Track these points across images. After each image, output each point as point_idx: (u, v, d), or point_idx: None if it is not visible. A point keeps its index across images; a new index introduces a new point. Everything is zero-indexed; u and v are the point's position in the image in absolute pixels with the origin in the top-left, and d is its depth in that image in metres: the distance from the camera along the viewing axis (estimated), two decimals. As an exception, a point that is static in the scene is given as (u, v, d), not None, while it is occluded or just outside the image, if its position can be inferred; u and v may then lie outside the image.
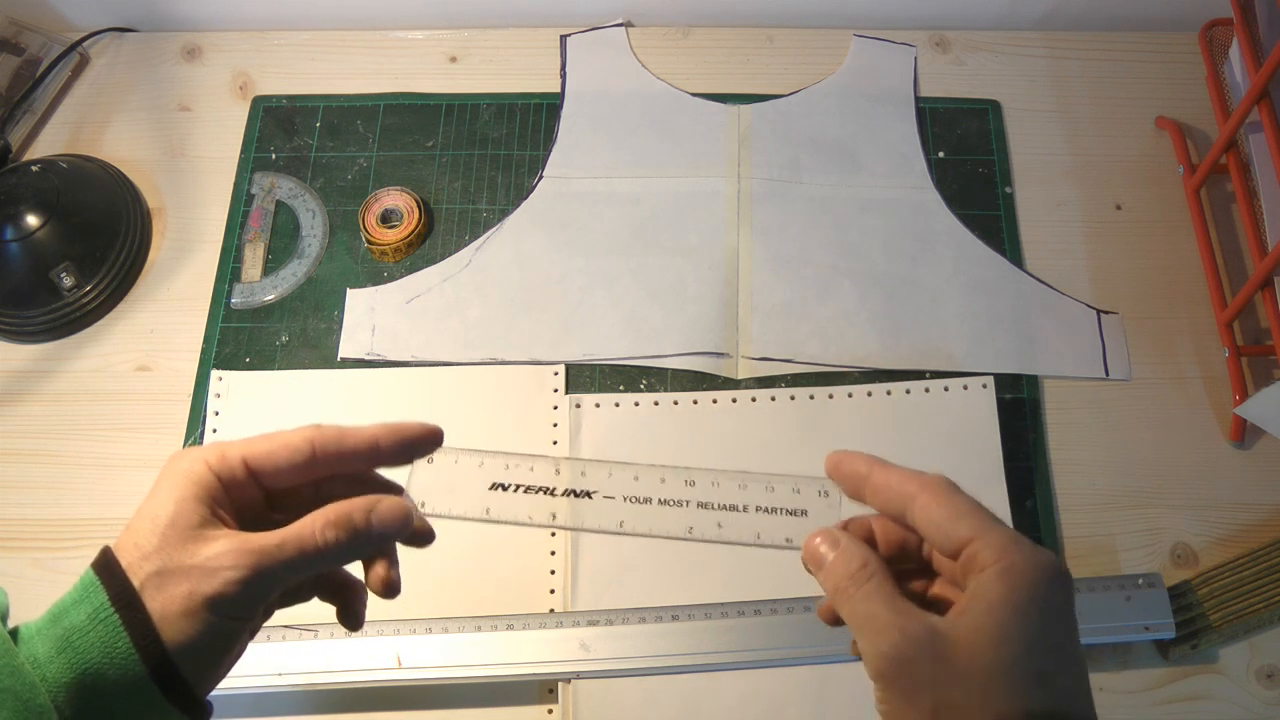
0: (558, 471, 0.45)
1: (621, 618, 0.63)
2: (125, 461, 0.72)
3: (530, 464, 0.45)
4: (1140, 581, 0.63)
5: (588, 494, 0.45)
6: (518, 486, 0.45)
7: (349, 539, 0.39)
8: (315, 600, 0.46)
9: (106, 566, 0.38)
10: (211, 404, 0.72)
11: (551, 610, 0.65)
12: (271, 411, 0.72)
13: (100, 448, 0.72)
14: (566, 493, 0.45)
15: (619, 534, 0.45)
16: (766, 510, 0.44)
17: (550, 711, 0.63)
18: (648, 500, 0.45)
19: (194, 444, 0.72)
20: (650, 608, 0.63)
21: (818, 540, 0.40)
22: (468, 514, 0.44)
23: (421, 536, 0.43)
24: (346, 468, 0.42)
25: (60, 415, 0.74)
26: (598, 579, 0.65)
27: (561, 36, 0.87)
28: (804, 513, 0.44)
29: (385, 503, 0.41)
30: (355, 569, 0.45)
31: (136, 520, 0.39)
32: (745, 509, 0.44)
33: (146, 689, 0.37)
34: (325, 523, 0.39)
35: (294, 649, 0.61)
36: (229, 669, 0.41)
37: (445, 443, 0.44)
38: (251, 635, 0.43)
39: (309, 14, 0.89)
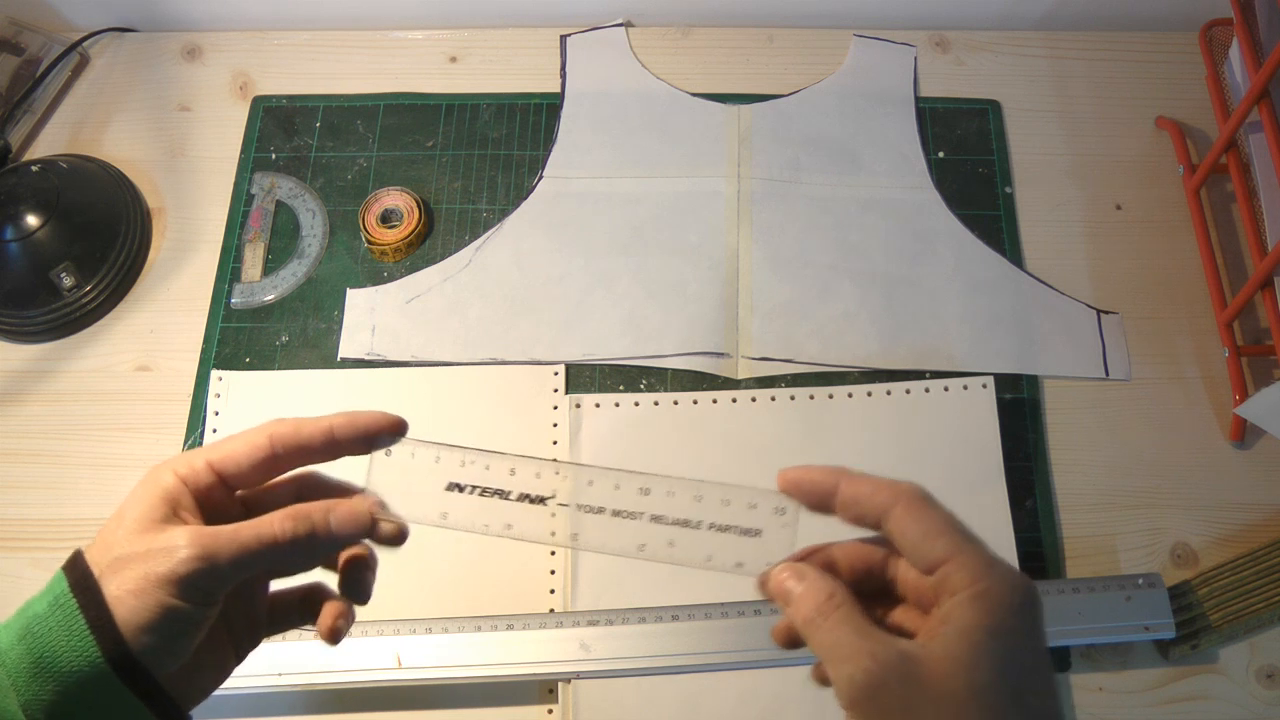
0: (513, 472, 0.44)
1: (621, 618, 0.63)
2: (125, 461, 0.72)
3: (486, 462, 0.43)
4: (1140, 581, 0.63)
5: (542, 499, 0.44)
6: (474, 488, 0.44)
7: (306, 534, 0.40)
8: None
9: (72, 562, 0.39)
10: (211, 404, 0.72)
11: (551, 610, 0.65)
12: (272, 411, 0.71)
13: (100, 448, 0.72)
14: (521, 497, 0.44)
15: (572, 549, 0.44)
16: (720, 529, 0.43)
17: (550, 711, 0.63)
18: (601, 510, 0.44)
19: (194, 444, 0.72)
20: (650, 608, 0.63)
21: (784, 575, 0.40)
22: (423, 518, 0.43)
23: (390, 539, 0.43)
24: (307, 460, 0.42)
25: (60, 415, 0.74)
26: (598, 579, 0.65)
27: (561, 36, 0.87)
28: (758, 532, 0.43)
29: (344, 503, 0.41)
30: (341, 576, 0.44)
31: (106, 525, 0.40)
32: (699, 525, 0.43)
33: (104, 673, 0.37)
34: (283, 516, 0.40)
35: (294, 649, 0.61)
36: (213, 683, 0.42)
37: (416, 434, 0.43)
38: (239, 656, 0.43)
39: (309, 14, 0.89)
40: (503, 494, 0.44)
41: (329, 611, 0.44)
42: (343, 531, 0.41)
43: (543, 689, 0.63)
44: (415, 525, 0.43)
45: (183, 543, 0.38)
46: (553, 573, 0.66)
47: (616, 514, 0.44)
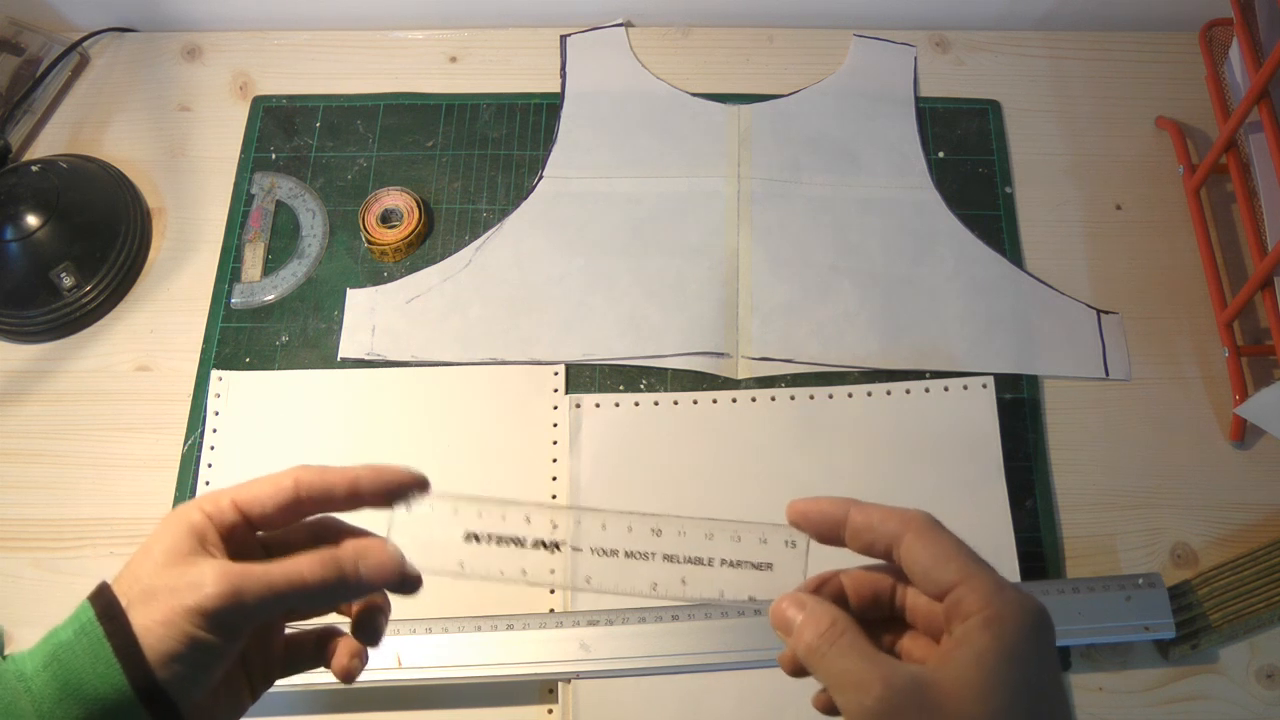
0: (528, 520, 0.44)
1: (621, 618, 0.63)
2: (125, 461, 0.72)
3: (502, 511, 0.44)
4: (1140, 581, 0.63)
5: (556, 546, 0.45)
6: (490, 537, 0.44)
7: (336, 579, 0.40)
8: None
9: (98, 592, 0.39)
10: (211, 404, 0.72)
11: (551, 610, 0.65)
12: (271, 411, 0.72)
13: (100, 448, 0.72)
14: (535, 544, 0.44)
15: (588, 591, 0.44)
16: (732, 564, 0.44)
17: (550, 711, 0.63)
18: (614, 553, 0.44)
19: (193, 444, 0.72)
20: (650, 608, 0.63)
21: (784, 605, 0.40)
22: (441, 569, 0.44)
23: (409, 584, 0.43)
24: (329, 507, 0.43)
25: (60, 415, 0.74)
26: (598, 579, 0.65)
27: (561, 36, 0.87)
28: (769, 566, 0.43)
29: (374, 552, 0.41)
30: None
31: (133, 559, 0.40)
32: (710, 562, 0.44)
33: (130, 701, 0.37)
34: (314, 560, 0.40)
35: (294, 649, 0.61)
36: (230, 713, 0.42)
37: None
38: (254, 694, 0.43)
39: (309, 14, 0.89)
40: (518, 541, 0.44)
41: (344, 650, 0.44)
42: (371, 579, 0.41)
43: (543, 689, 0.63)
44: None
45: (211, 578, 0.38)
46: (553, 573, 0.66)
47: (629, 555, 0.44)
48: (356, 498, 0.42)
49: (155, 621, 0.37)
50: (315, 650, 0.45)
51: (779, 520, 0.43)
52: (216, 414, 0.72)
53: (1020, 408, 0.72)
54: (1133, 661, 0.65)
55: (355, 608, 0.44)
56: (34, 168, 0.78)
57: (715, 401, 0.71)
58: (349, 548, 0.41)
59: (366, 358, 0.74)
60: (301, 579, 0.39)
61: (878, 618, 0.41)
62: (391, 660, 0.61)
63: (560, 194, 0.80)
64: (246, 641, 0.41)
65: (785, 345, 0.74)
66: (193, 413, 0.73)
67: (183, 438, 0.72)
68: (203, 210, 0.81)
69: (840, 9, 0.88)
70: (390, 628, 0.61)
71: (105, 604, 0.38)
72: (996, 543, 0.65)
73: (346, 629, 0.45)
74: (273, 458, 0.70)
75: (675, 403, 0.71)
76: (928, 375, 0.73)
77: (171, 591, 0.38)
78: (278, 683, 0.61)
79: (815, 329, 0.74)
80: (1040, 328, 0.75)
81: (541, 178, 0.81)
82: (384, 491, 0.42)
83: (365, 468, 0.42)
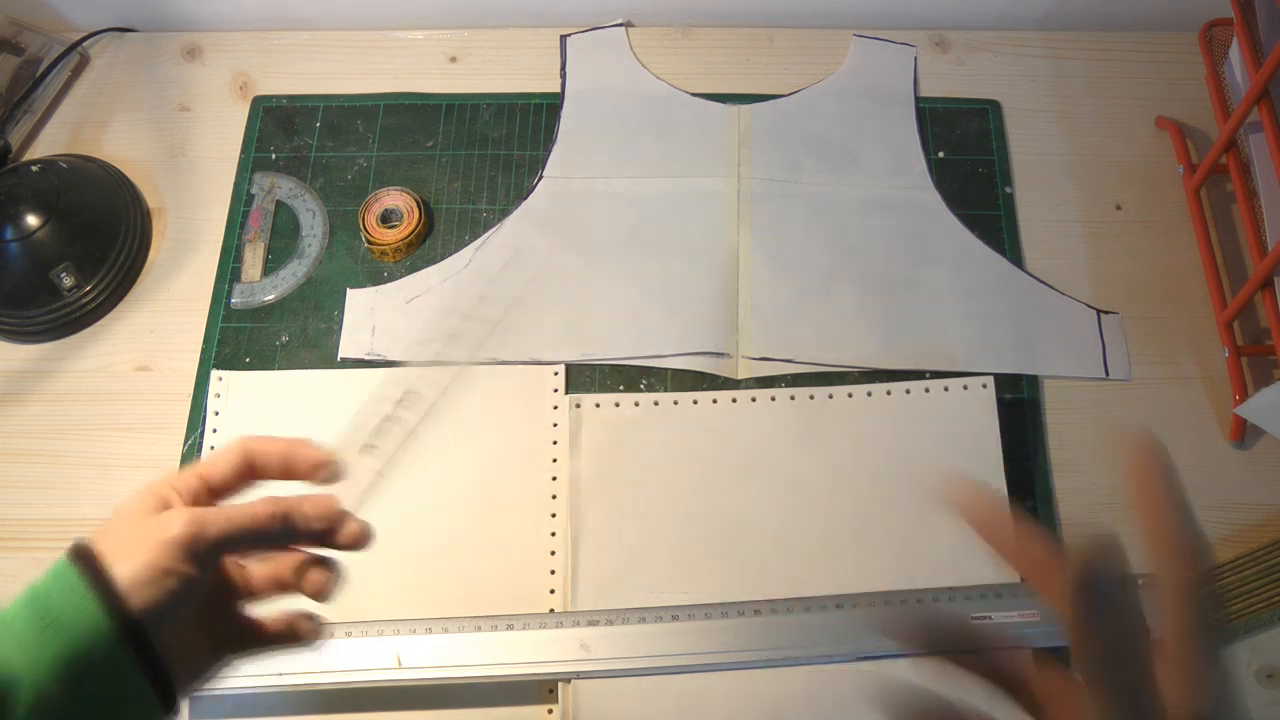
0: None
1: (621, 618, 0.63)
2: (125, 461, 0.72)
3: None
4: (1140, 582, 0.62)
5: None
6: None
7: (283, 514, 0.43)
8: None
9: (73, 545, 0.41)
10: (211, 404, 0.72)
11: (551, 610, 0.65)
12: (271, 411, 0.72)
13: (100, 448, 0.72)
14: None
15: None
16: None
17: (550, 711, 0.63)
18: None
19: (193, 444, 0.72)
20: (650, 608, 0.63)
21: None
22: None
23: (355, 540, 0.45)
24: (273, 474, 0.46)
25: (60, 415, 0.74)
26: (598, 579, 0.65)
27: (561, 36, 0.87)
28: None
29: (319, 496, 0.45)
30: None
31: (105, 524, 0.42)
32: None
33: (105, 629, 0.38)
34: (266, 501, 0.43)
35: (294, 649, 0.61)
36: (190, 684, 0.43)
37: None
38: (217, 657, 0.45)
39: (309, 14, 0.89)
40: None
41: (302, 616, 0.46)
42: (314, 514, 0.44)
43: (543, 689, 0.63)
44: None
45: (177, 517, 0.41)
46: (553, 573, 0.66)
47: None
48: (290, 466, 0.45)
49: (123, 553, 0.40)
50: (279, 633, 0.47)
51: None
52: (216, 414, 0.72)
53: (1020, 408, 0.72)
54: (1133, 661, 0.65)
55: (311, 572, 0.46)
56: (34, 168, 0.78)
57: (715, 401, 0.71)
58: (296, 495, 0.44)
59: (366, 358, 0.74)
60: (254, 514, 0.42)
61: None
62: (391, 660, 0.61)
63: (560, 194, 0.80)
64: (209, 608, 0.44)
65: (785, 345, 0.74)
66: (193, 413, 0.73)
67: (183, 438, 0.72)
68: (203, 210, 0.81)
69: (840, 9, 0.88)
70: (390, 628, 0.62)
71: (77, 548, 0.40)
72: (996, 543, 0.65)
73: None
74: (273, 458, 0.70)
75: (675, 403, 0.71)
76: (928, 375, 0.73)
77: (140, 536, 0.40)
78: (278, 683, 0.61)
79: (815, 329, 0.74)
80: (1040, 328, 0.75)
81: (541, 178, 0.81)
82: (308, 464, 0.45)
83: (298, 441, 0.45)
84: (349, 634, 0.62)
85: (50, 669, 0.37)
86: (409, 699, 0.63)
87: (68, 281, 0.75)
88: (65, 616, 0.38)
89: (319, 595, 0.45)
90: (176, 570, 0.40)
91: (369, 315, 0.76)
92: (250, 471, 0.45)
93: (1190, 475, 0.70)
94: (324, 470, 0.45)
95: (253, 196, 0.81)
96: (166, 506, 0.42)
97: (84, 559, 0.39)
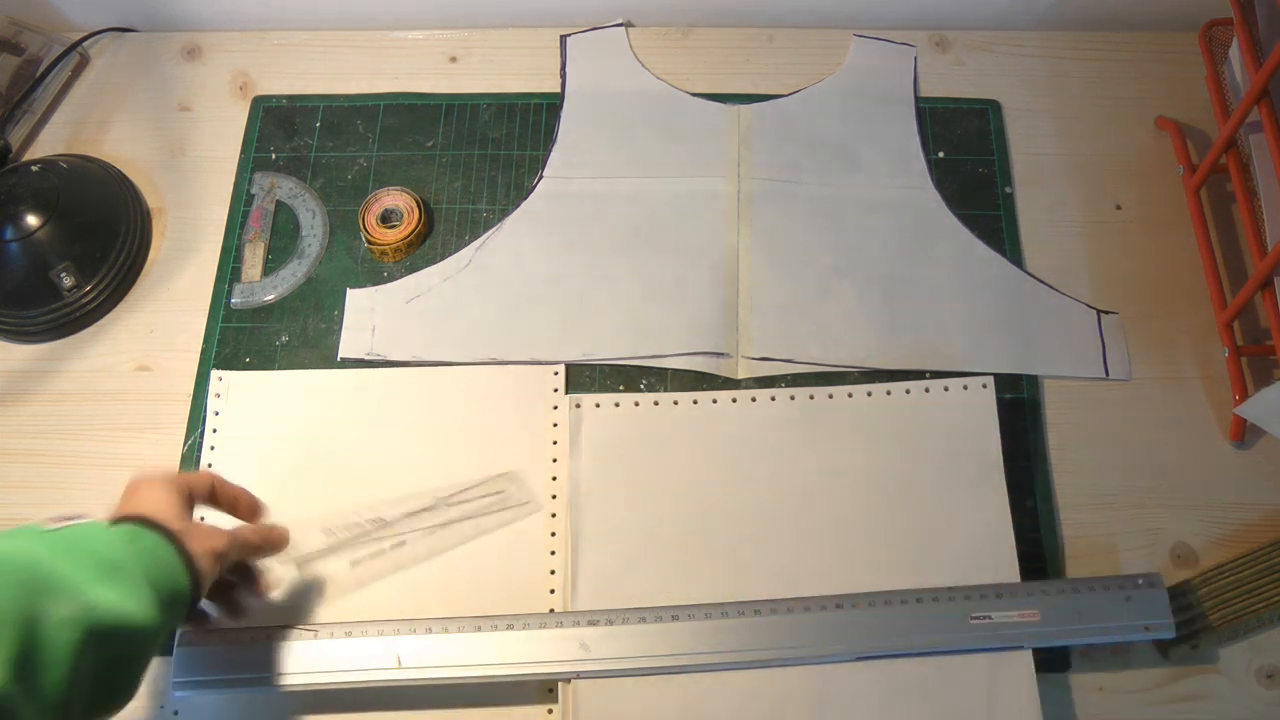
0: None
1: (621, 618, 0.63)
2: (125, 461, 0.72)
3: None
4: (1140, 581, 0.63)
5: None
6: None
7: (264, 540, 0.62)
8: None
9: (151, 524, 0.55)
10: (211, 404, 0.72)
11: (551, 610, 0.65)
12: (271, 411, 0.72)
13: (100, 448, 0.72)
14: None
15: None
16: None
17: (550, 711, 0.63)
18: None
19: (193, 444, 0.72)
20: (650, 608, 0.63)
21: None
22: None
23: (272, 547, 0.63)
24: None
25: (60, 415, 0.74)
26: (598, 579, 0.65)
27: (561, 36, 0.87)
28: None
29: (280, 532, 0.63)
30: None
31: (143, 497, 0.57)
32: None
33: (181, 570, 0.54)
34: (257, 531, 0.62)
35: (294, 649, 0.61)
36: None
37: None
38: (186, 605, 0.55)
39: (309, 14, 0.89)
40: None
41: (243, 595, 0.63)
42: (279, 542, 0.62)
43: (543, 689, 0.63)
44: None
45: (224, 533, 0.58)
46: (553, 573, 0.66)
47: None
48: (264, 536, 0.62)
49: (193, 548, 0.55)
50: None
51: None
52: (216, 414, 0.72)
53: (1020, 408, 0.72)
54: (1133, 661, 0.65)
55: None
56: (34, 168, 0.78)
57: (715, 401, 0.71)
58: (270, 529, 0.62)
59: (366, 358, 0.74)
60: (253, 538, 0.61)
61: None
62: (391, 660, 0.61)
63: (560, 194, 0.80)
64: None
65: (785, 345, 0.74)
66: (193, 413, 0.73)
67: (183, 438, 0.72)
68: (203, 210, 0.81)
69: (840, 9, 0.88)
70: (390, 628, 0.62)
71: (164, 531, 0.54)
72: (996, 543, 0.65)
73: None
74: (272, 457, 0.70)
75: (675, 403, 0.71)
76: (928, 375, 0.73)
77: (204, 535, 0.56)
78: (278, 683, 0.62)
79: (815, 329, 0.74)
80: (1040, 328, 0.75)
81: (541, 178, 0.81)
82: (275, 539, 0.63)
83: (279, 531, 0.63)
84: (349, 634, 0.62)
85: (167, 617, 0.52)
86: (409, 699, 0.63)
87: (68, 281, 0.75)
88: (179, 588, 0.53)
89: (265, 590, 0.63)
90: (213, 572, 0.56)
91: (369, 315, 0.76)
92: (234, 509, 0.62)
93: (1190, 475, 0.70)
94: (276, 539, 0.63)
95: (253, 196, 0.81)
96: (188, 499, 0.58)
97: (175, 542, 0.54)
